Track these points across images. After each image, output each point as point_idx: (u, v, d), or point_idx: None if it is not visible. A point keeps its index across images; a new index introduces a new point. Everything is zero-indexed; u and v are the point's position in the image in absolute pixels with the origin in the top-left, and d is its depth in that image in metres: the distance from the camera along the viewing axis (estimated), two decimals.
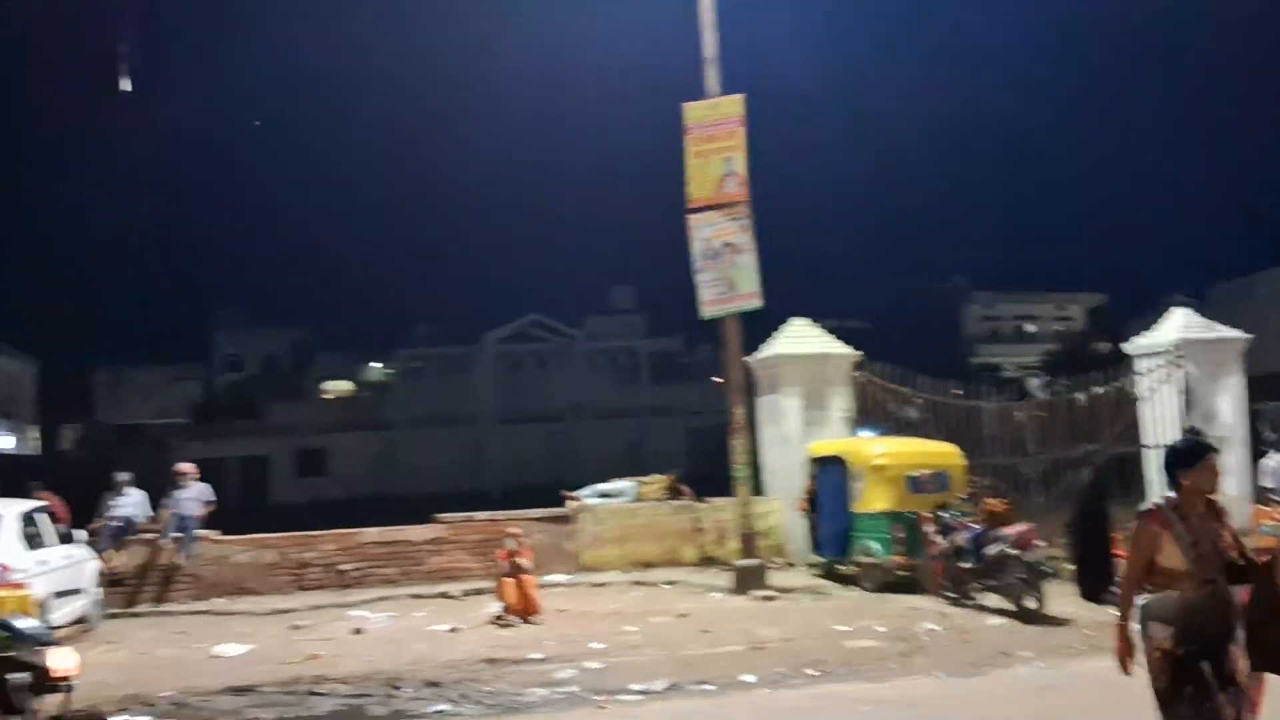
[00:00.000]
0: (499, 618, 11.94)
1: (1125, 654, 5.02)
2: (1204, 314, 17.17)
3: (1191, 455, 5.05)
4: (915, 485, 13.66)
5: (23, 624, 5.31)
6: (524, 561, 12.32)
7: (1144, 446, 15.87)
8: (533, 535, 14.32)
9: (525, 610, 12.00)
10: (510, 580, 12.15)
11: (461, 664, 9.82)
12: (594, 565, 15.84)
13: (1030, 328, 66.67)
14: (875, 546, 13.64)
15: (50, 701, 5.29)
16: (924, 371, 17.35)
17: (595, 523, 16.24)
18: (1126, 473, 15.40)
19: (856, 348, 17.15)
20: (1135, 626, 5.00)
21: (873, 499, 13.82)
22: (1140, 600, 4.99)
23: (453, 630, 11.72)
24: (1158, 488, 15.05)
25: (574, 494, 17.36)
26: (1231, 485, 14.31)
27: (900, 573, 13.32)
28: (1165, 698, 4.85)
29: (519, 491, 29.68)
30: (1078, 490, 13.09)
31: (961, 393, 17.40)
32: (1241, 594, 4.82)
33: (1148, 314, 17.14)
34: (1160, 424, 15.73)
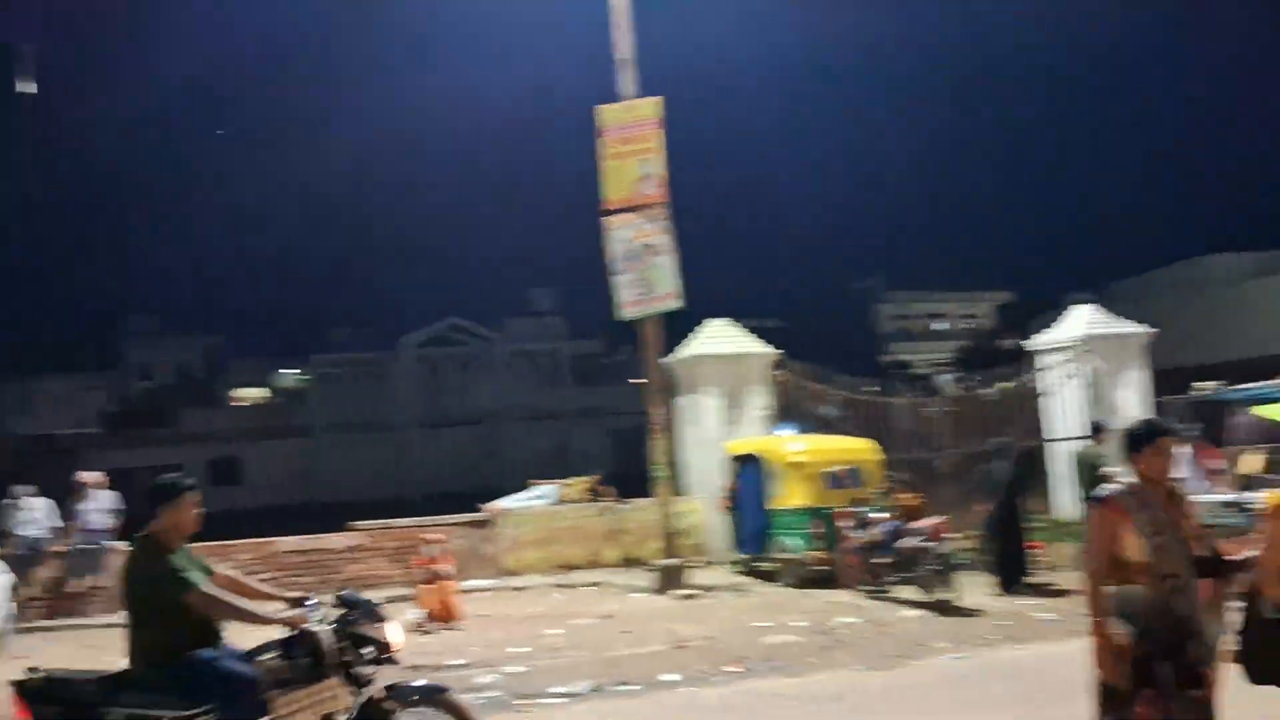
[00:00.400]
0: (419, 624, 11.85)
1: (1107, 655, 4.50)
2: (1111, 310, 17.70)
3: (1144, 437, 4.66)
4: (832, 481, 13.87)
5: (358, 597, 5.68)
6: (444, 567, 12.24)
7: (1049, 440, 16.32)
8: (453, 540, 14.23)
9: (446, 616, 11.93)
10: (430, 586, 12.07)
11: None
12: (516, 569, 15.80)
13: (942, 325, 67.98)
14: (794, 542, 13.83)
15: (385, 673, 5.58)
16: (841, 370, 17.63)
17: (516, 526, 16.20)
18: (1035, 466, 15.82)
19: (776, 347, 17.34)
20: (1113, 624, 4.53)
21: (791, 495, 14.01)
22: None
23: None
24: (1066, 481, 15.50)
25: (494, 505, 17.25)
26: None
27: (819, 568, 13.50)
28: (1115, 697, 4.48)
29: (441, 497, 29.43)
30: (993, 484, 13.42)
31: (877, 390, 17.71)
32: (1205, 588, 4.53)
33: (1053, 311, 17.63)
34: (1066, 418, 16.19)
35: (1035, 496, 14.67)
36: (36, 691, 5.11)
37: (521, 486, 18.39)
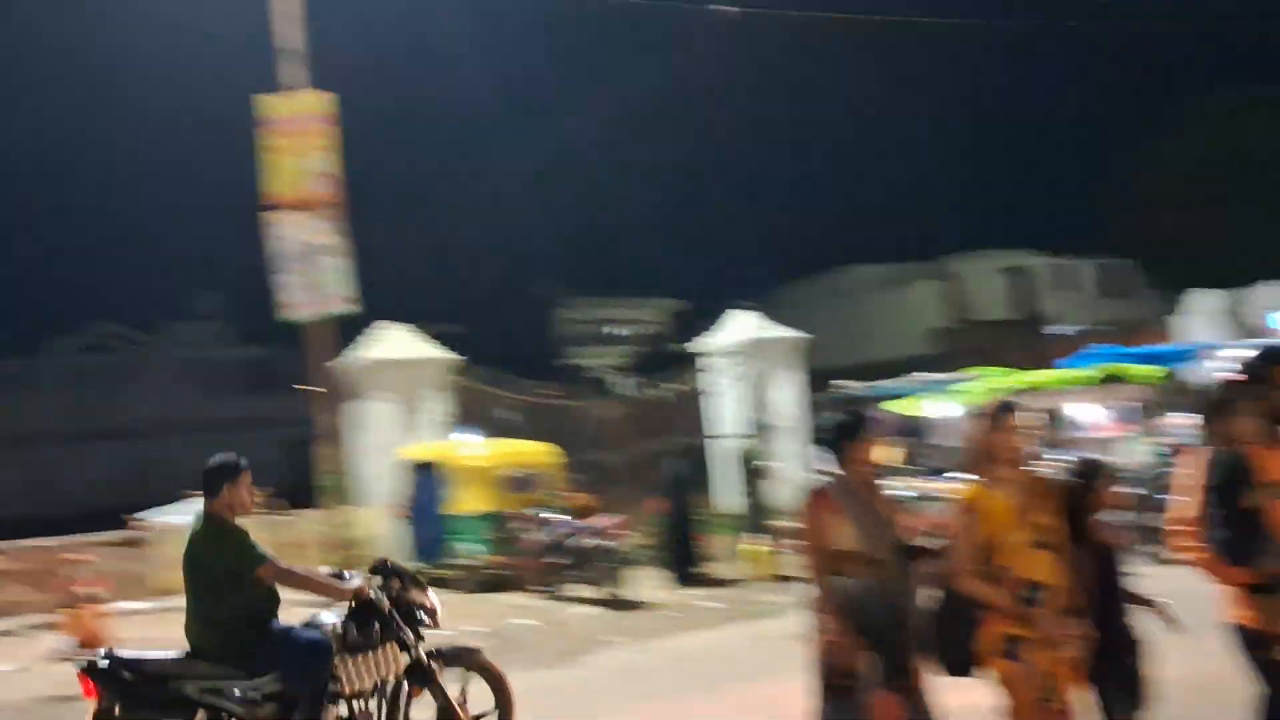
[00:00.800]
0: (66, 653, 10.87)
1: (826, 648, 4.49)
2: (768, 316, 18.89)
3: (855, 427, 4.71)
4: (511, 485, 13.97)
5: (399, 566, 6.11)
6: (92, 590, 11.30)
7: (714, 438, 17.22)
8: (103, 560, 13.17)
9: (95, 643, 11.00)
10: (77, 611, 11.10)
11: (26, 706, 8.95)
12: (176, 589, 14.80)
13: (618, 330, 70.04)
14: (472, 548, 13.80)
15: (425, 634, 5.89)
16: (521, 374, 17.80)
17: (175, 543, 15.17)
18: (702, 464, 16.66)
19: (455, 352, 17.24)
20: (830, 616, 4.52)
21: (469, 501, 13.98)
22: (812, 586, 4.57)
23: (22, 669, 10.59)
24: (729, 476, 16.39)
25: (141, 518, 16.11)
26: (794, 471, 15.85)
27: (497, 572, 13.57)
28: (829, 691, 4.50)
29: (95, 515, 27.14)
30: (668, 481, 14.00)
31: (556, 393, 18.04)
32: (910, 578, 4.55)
33: (722, 316, 18.63)
34: (729, 417, 17.14)
35: (701, 492, 15.43)
36: (104, 672, 5.26)
37: (179, 500, 17.28)
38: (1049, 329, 32.09)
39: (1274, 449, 4.18)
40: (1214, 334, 21.15)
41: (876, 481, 4.80)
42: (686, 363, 18.59)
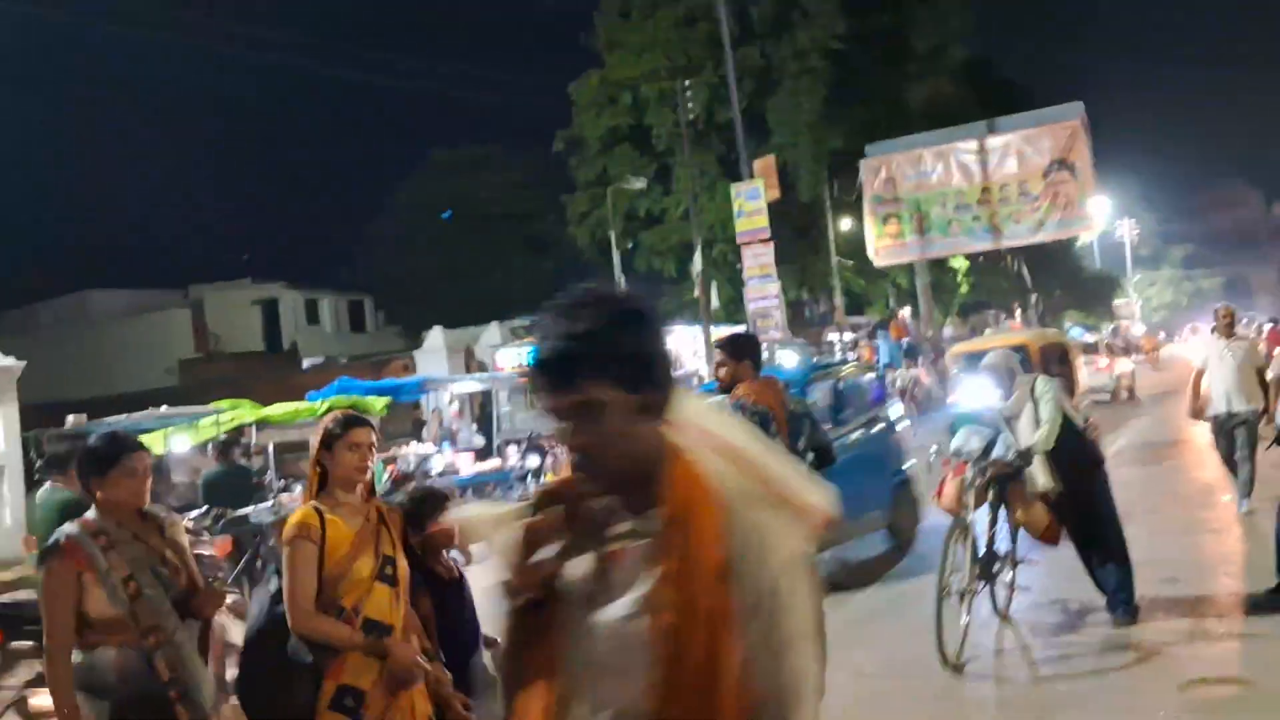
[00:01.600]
0: None
1: None
2: None
3: (107, 458, 3.73)
4: None
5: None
6: None
7: None
8: None
9: None
10: None
11: None
12: None
13: None
14: None
15: None
16: None
17: None
18: None
19: None
20: (82, 703, 3.59)
21: None
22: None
23: None
24: None
25: None
26: (5, 515, 14.17)
27: None
28: None
29: None
30: None
31: None
32: (197, 635, 3.79)
33: None
34: None
35: None
36: None
37: None
38: (300, 362, 32.63)
39: None
40: (447, 368, 23.06)
41: (158, 519, 3.87)
42: None
